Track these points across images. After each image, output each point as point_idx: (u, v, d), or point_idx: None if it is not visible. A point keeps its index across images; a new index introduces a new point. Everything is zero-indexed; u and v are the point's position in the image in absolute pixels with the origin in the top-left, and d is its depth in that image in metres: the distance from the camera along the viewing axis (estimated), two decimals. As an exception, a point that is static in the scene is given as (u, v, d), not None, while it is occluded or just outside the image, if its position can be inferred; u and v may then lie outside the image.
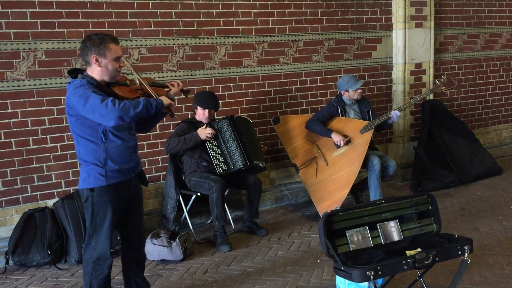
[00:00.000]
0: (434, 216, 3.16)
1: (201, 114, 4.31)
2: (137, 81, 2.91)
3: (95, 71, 2.77)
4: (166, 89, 3.02)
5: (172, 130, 4.55)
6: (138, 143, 4.47)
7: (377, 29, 5.64)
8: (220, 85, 4.86)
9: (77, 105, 2.65)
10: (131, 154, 2.89)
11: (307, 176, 4.80)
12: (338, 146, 4.63)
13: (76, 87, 2.68)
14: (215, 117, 4.41)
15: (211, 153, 4.27)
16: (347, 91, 4.71)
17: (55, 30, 4.11)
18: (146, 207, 4.62)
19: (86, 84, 2.70)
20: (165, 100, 2.86)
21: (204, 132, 4.20)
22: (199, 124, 4.33)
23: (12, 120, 4.07)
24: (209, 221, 4.78)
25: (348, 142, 4.60)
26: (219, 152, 4.29)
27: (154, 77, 4.47)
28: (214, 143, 4.28)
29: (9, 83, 4.02)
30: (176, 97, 3.08)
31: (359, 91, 4.71)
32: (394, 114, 4.57)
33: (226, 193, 4.58)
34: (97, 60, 2.74)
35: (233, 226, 4.61)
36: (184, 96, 3.23)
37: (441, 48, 6.07)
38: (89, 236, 2.87)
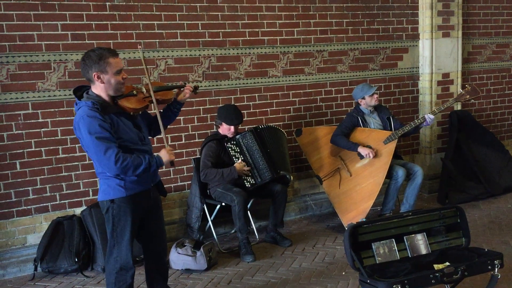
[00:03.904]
0: (463, 230, 3.11)
1: (227, 130, 4.31)
2: (144, 89, 2.89)
3: (99, 88, 2.74)
4: (175, 91, 3.04)
5: (197, 140, 4.58)
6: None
7: (403, 39, 5.60)
8: (245, 95, 4.88)
9: (82, 139, 2.70)
10: None
11: (330, 188, 4.76)
12: (363, 157, 4.59)
13: (82, 115, 2.66)
14: (238, 130, 4.41)
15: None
16: (364, 98, 4.68)
17: (85, 41, 4.21)
18: (171, 216, 4.66)
19: (91, 108, 2.67)
20: (165, 156, 2.85)
21: (241, 170, 4.21)
22: (223, 139, 4.34)
23: (43, 129, 4.17)
24: (233, 231, 4.78)
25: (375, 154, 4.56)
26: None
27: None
28: (240, 157, 4.29)
29: (40, 93, 4.13)
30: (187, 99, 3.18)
31: (375, 96, 4.68)
32: (428, 117, 4.53)
33: (250, 203, 4.59)
34: (99, 77, 2.70)
35: (257, 237, 4.60)
36: (194, 93, 3.19)
37: (469, 58, 5.97)
38: (110, 247, 2.89)
